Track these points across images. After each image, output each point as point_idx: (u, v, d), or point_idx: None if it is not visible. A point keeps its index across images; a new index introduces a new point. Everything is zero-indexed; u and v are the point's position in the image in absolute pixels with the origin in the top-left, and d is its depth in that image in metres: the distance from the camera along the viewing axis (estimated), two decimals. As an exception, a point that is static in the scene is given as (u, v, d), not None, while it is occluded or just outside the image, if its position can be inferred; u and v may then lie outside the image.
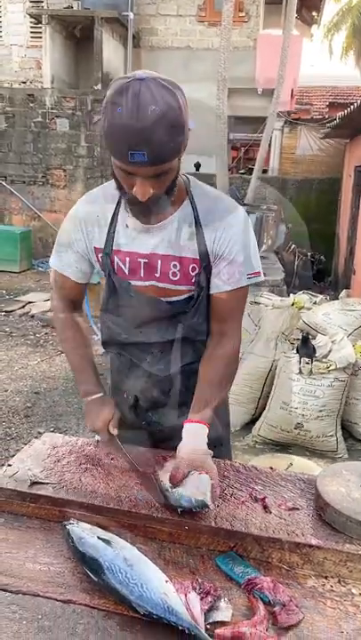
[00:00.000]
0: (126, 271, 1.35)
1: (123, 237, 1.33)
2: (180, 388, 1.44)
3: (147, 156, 1.06)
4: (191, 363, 1.43)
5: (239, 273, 1.32)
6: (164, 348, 1.42)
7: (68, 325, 1.52)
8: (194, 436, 1.29)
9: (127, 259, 1.34)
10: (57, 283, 1.49)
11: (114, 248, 1.35)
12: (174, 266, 1.32)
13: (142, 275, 1.34)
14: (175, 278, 1.33)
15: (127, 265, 1.35)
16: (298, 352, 3.49)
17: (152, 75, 1.08)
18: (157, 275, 1.33)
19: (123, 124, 1.05)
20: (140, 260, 1.33)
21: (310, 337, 3.65)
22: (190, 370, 1.42)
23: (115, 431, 1.40)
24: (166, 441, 1.42)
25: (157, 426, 1.50)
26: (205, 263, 1.32)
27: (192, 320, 1.39)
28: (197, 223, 1.31)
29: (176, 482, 1.18)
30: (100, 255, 1.37)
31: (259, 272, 1.35)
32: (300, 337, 3.60)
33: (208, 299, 1.37)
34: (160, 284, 1.35)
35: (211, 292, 1.35)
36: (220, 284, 1.33)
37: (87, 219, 1.37)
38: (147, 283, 1.35)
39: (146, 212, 1.24)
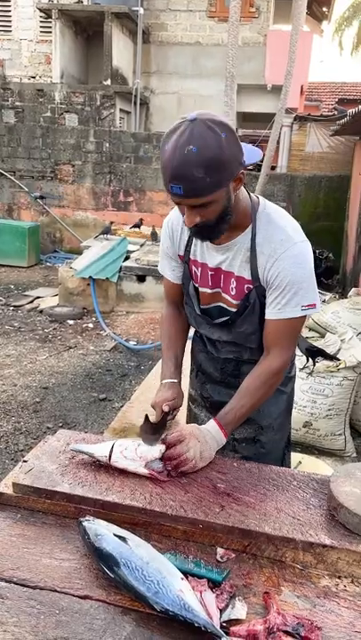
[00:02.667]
0: (199, 278, 1.54)
1: (198, 249, 1.52)
2: (232, 372, 1.63)
3: (182, 190, 1.20)
4: (241, 357, 1.59)
5: (290, 304, 1.40)
6: (222, 344, 1.60)
7: (165, 319, 1.74)
8: (210, 435, 1.40)
9: (200, 268, 1.53)
10: (164, 284, 1.72)
11: (191, 257, 1.55)
12: (232, 282, 1.48)
13: (210, 284, 1.53)
14: (233, 293, 1.49)
15: (200, 273, 1.54)
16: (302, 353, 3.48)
17: (203, 116, 1.19)
18: (222, 285, 1.51)
19: (165, 161, 1.21)
20: (209, 272, 1.51)
21: (307, 338, 3.63)
22: (240, 361, 1.60)
23: (165, 408, 1.52)
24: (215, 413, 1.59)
25: (210, 398, 1.72)
26: (258, 284, 1.44)
27: (241, 328, 1.52)
28: (253, 249, 1.41)
29: (170, 440, 1.35)
30: (181, 261, 1.59)
31: (314, 304, 1.42)
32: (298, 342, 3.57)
33: (259, 313, 1.47)
34: (223, 294, 1.52)
35: (265, 316, 1.45)
36: (272, 311, 1.43)
37: (174, 228, 1.57)
38: (213, 290, 1.53)
39: (203, 237, 1.39)
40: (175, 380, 1.61)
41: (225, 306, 1.53)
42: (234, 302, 1.50)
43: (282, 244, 1.37)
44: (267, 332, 1.46)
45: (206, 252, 1.49)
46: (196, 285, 1.56)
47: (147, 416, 1.44)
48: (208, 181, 1.19)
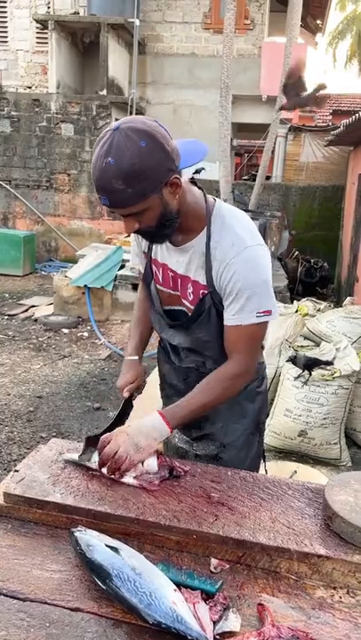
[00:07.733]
0: (160, 279, 1.53)
1: (160, 250, 1.51)
2: (194, 383, 1.51)
3: (108, 201, 1.20)
4: (203, 367, 1.56)
5: (245, 311, 1.36)
6: (184, 352, 1.59)
7: (138, 300, 1.78)
8: (148, 423, 1.36)
9: (161, 269, 1.52)
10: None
11: (153, 257, 1.54)
12: (189, 287, 1.46)
13: (171, 285, 1.51)
14: (190, 298, 1.47)
15: (161, 274, 1.53)
16: (293, 364, 3.49)
17: (126, 124, 1.17)
18: (180, 289, 1.50)
19: (92, 172, 1.22)
20: (169, 272, 1.50)
21: (300, 353, 3.63)
22: (202, 372, 1.53)
23: (126, 394, 1.60)
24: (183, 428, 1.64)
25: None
26: (212, 289, 1.41)
27: (196, 334, 1.50)
28: (208, 254, 1.39)
29: (100, 445, 1.33)
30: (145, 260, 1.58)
31: (270, 311, 1.37)
32: (289, 357, 3.59)
33: (216, 320, 1.44)
34: (182, 299, 1.50)
35: (223, 322, 1.42)
36: (228, 317, 1.40)
37: None
38: (173, 292, 1.52)
39: (150, 240, 1.44)
40: (136, 357, 1.67)
41: (185, 310, 1.51)
42: (191, 307, 1.47)
43: (233, 249, 1.34)
44: (226, 339, 1.43)
45: (166, 252, 1.48)
46: (158, 286, 1.54)
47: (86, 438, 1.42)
48: (130, 192, 1.17)
